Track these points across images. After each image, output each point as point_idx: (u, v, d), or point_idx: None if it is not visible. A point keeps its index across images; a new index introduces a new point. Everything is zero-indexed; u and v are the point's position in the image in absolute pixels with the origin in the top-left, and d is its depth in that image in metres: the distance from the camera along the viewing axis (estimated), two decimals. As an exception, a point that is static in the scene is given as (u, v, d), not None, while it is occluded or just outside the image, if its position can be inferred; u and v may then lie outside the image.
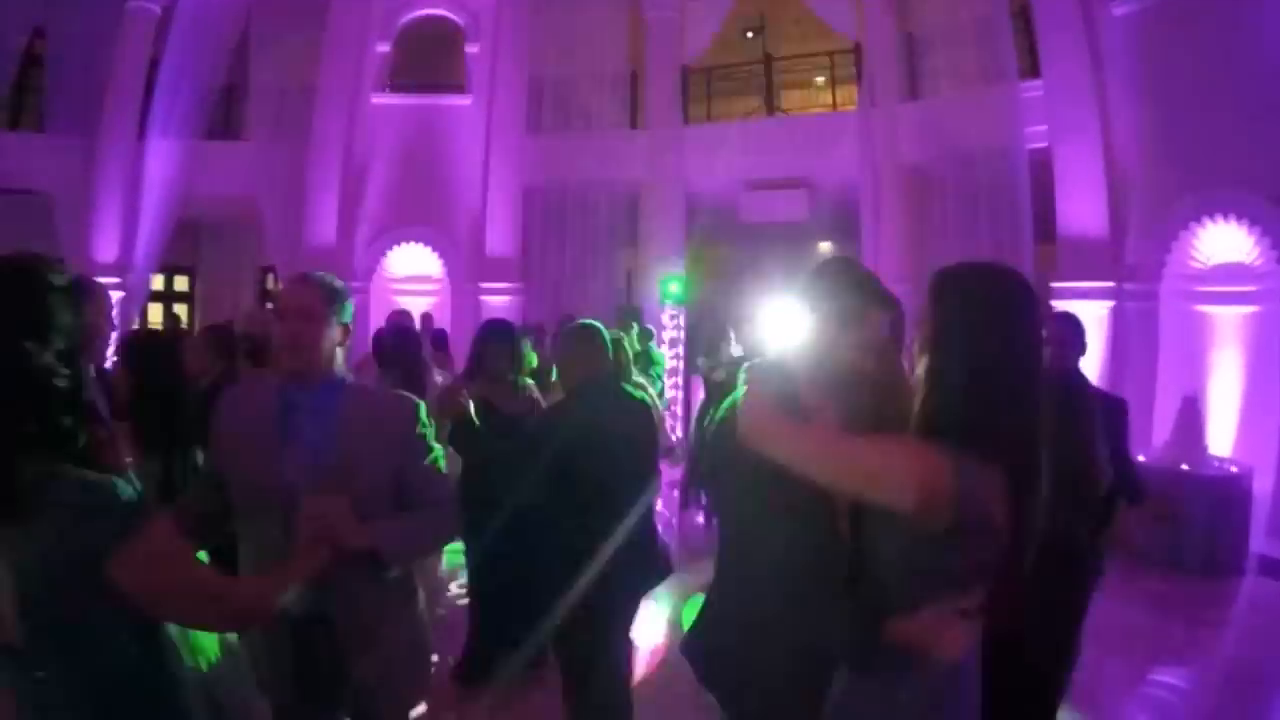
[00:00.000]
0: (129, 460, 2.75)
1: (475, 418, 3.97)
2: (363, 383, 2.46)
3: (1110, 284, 9.00)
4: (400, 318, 7.00)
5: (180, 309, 15.71)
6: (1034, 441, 1.81)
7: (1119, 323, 8.91)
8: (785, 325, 2.32)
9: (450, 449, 3.69)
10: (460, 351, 6.28)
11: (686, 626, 2.70)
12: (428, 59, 13.57)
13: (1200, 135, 7.92)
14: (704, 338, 8.86)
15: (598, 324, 3.61)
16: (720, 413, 2.57)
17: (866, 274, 2.33)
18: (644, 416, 3.63)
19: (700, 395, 9.24)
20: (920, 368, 1.90)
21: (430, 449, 2.45)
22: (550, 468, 3.12)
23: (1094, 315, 8.55)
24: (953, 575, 1.81)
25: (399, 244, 12.93)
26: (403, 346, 5.36)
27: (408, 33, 13.37)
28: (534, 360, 5.62)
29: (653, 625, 5.58)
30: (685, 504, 8.35)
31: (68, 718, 1.60)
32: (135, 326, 12.02)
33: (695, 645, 2.50)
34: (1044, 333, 3.91)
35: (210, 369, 4.48)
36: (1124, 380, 8.33)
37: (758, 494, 2.20)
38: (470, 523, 3.58)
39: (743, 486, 2.29)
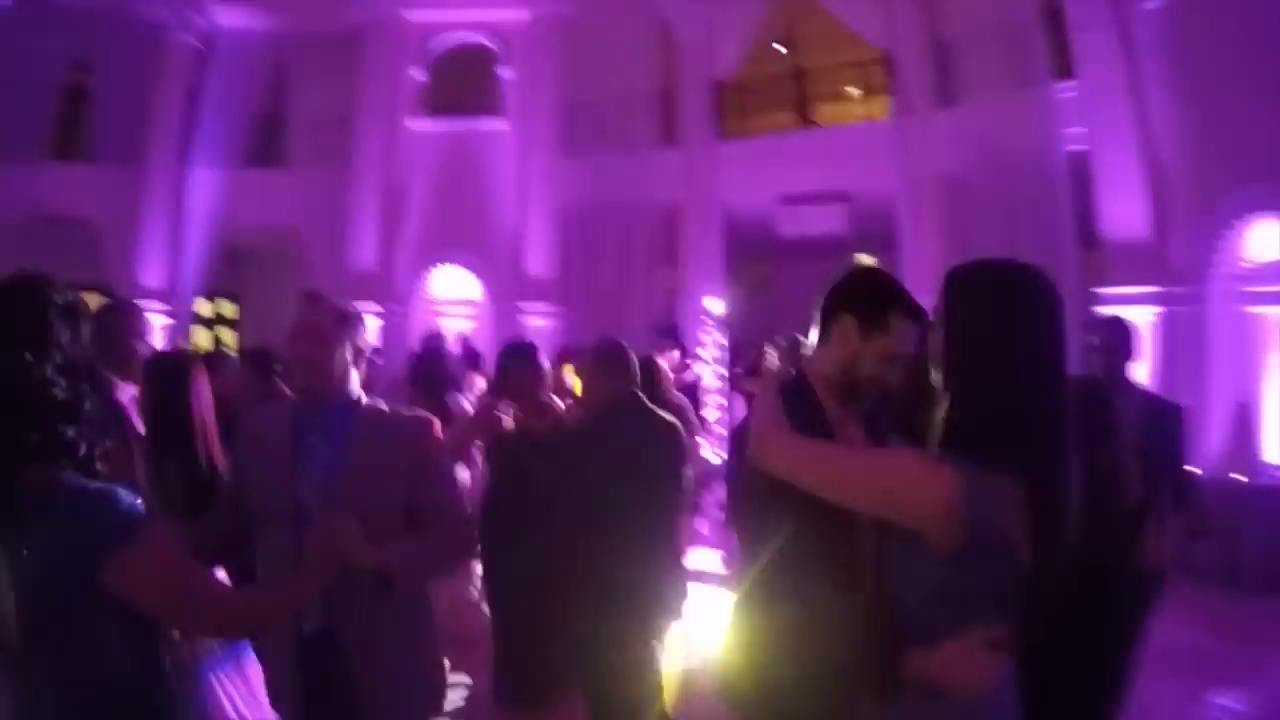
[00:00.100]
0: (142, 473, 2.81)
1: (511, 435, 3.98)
2: (375, 402, 2.46)
3: (1156, 288, 8.73)
4: (432, 340, 7.06)
5: (228, 334, 16.03)
6: (1059, 452, 1.71)
7: (1167, 327, 8.64)
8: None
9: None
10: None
11: (715, 648, 2.63)
12: (463, 84, 13.76)
13: (1243, 128, 7.64)
14: (747, 355, 8.78)
15: (622, 343, 3.58)
16: None
17: (891, 281, 2.25)
18: (668, 436, 3.58)
19: (743, 413, 9.15)
20: (938, 374, 1.81)
21: (445, 468, 2.44)
22: (567, 488, 3.09)
23: (1141, 320, 8.30)
24: (971, 600, 1.71)
25: (438, 265, 13.06)
26: (432, 367, 5.40)
27: (442, 59, 13.58)
28: (579, 388, 5.61)
29: (678, 647, 5.48)
30: (730, 523, 8.23)
31: None
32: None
33: (721, 669, 2.43)
34: (1094, 340, 3.84)
35: (249, 391, 4.60)
36: (1173, 387, 8.05)
37: (775, 509, 2.13)
38: (491, 543, 3.55)
39: (760, 501, 2.22)
